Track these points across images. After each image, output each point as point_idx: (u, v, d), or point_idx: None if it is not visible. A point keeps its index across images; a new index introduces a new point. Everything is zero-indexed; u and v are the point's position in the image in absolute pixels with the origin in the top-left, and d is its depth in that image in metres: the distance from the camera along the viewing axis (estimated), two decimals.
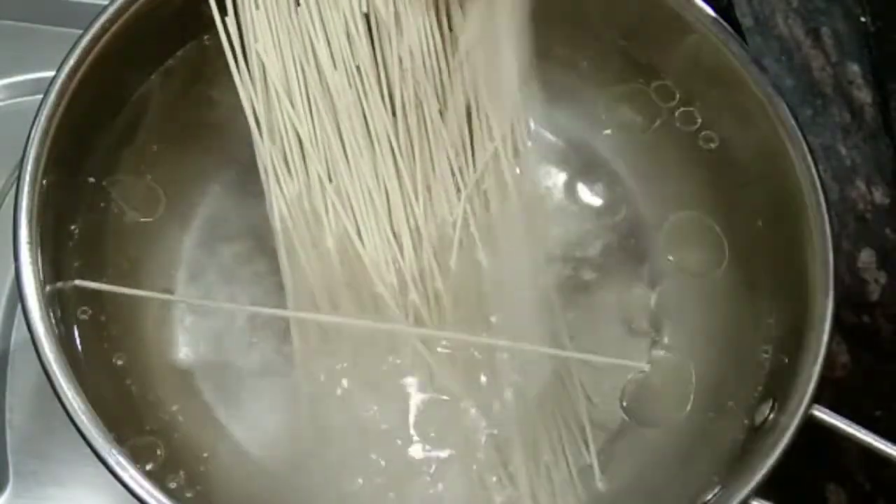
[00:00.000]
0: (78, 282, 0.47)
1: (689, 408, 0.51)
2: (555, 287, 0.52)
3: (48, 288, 0.45)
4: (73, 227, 0.50)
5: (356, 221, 0.49)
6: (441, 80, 0.52)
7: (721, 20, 0.53)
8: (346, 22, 0.50)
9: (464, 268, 0.50)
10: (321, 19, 0.50)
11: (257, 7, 0.50)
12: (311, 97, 0.50)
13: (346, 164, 0.50)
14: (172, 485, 0.46)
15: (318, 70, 0.50)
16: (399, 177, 0.51)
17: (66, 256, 0.49)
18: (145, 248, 0.51)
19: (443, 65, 0.52)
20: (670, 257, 0.54)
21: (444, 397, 0.49)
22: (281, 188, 0.49)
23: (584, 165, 0.56)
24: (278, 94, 0.49)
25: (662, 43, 0.56)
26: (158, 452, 0.47)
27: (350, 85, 0.50)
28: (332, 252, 0.49)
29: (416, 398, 0.49)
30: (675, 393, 0.51)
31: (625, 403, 0.51)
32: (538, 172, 0.55)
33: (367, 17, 0.51)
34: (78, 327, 0.48)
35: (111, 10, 0.49)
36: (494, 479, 0.48)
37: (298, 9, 0.50)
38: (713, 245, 0.54)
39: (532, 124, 0.54)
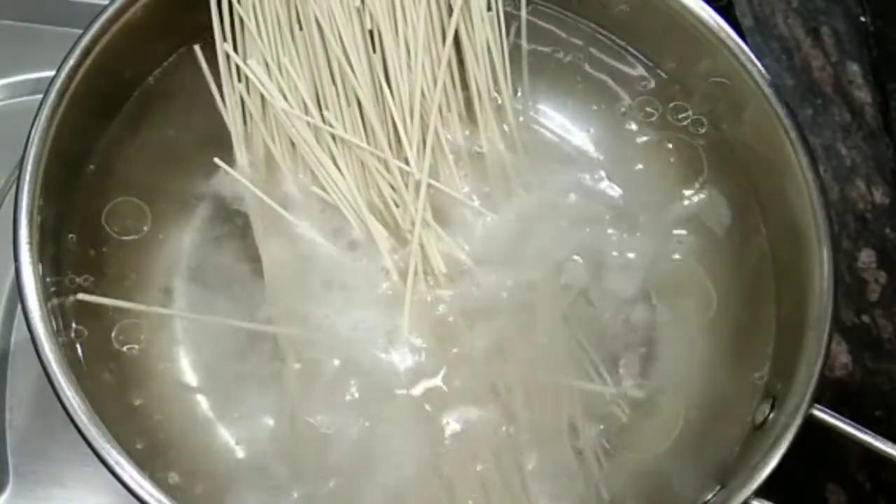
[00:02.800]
0: (81, 296, 0.47)
1: (669, 444, 0.50)
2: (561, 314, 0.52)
3: (48, 288, 0.45)
4: (72, 226, 0.50)
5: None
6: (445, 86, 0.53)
7: (720, 19, 0.53)
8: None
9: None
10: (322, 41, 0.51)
11: (259, 37, 0.51)
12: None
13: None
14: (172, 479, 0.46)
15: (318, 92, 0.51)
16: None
17: (66, 256, 0.49)
18: (145, 247, 0.51)
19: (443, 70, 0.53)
20: (664, 300, 0.53)
21: (435, 398, 0.49)
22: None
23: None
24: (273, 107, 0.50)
25: (660, 41, 0.56)
26: (152, 449, 0.47)
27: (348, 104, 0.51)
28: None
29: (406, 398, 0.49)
30: (656, 434, 0.50)
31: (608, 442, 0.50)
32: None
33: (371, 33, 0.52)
34: (77, 327, 0.48)
35: (111, 10, 0.49)
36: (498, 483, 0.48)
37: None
38: (704, 286, 0.53)
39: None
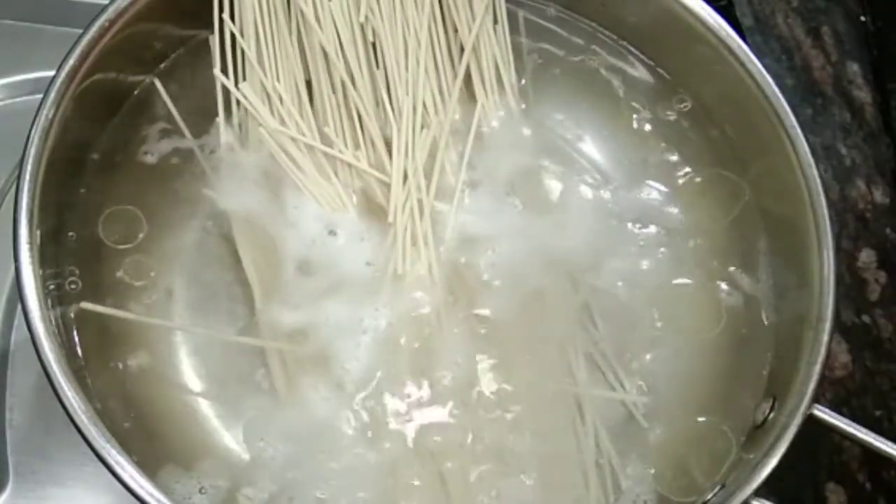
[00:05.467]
0: (83, 304, 0.47)
1: (671, 444, 0.49)
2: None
3: (48, 288, 0.45)
4: (73, 226, 0.50)
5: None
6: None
7: (720, 19, 0.53)
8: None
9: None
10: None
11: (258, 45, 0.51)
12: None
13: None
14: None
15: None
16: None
17: (67, 256, 0.49)
18: (145, 248, 0.51)
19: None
20: (666, 319, 0.52)
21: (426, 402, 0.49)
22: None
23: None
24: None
25: (660, 40, 0.56)
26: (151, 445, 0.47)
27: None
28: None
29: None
30: (659, 435, 0.50)
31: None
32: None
33: (373, 45, 0.52)
34: (77, 327, 0.48)
35: (111, 10, 0.49)
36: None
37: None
38: (712, 304, 0.53)
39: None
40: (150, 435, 0.47)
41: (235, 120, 0.52)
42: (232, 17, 0.52)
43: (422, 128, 0.51)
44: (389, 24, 0.51)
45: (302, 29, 0.52)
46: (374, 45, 0.52)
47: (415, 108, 0.51)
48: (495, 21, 0.55)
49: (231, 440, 0.48)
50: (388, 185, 0.50)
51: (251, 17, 0.51)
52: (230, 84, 0.51)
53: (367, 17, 0.51)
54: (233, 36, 0.52)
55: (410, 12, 0.52)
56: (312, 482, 0.46)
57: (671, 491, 0.48)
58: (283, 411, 0.48)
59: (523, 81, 0.56)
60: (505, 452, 0.48)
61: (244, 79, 0.51)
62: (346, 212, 0.50)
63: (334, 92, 0.51)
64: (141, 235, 0.51)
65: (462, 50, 0.53)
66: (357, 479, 0.47)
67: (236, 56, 0.52)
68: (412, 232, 0.50)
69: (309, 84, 0.52)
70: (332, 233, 0.50)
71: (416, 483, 0.47)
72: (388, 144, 0.51)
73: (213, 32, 0.52)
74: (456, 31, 0.53)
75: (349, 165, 0.51)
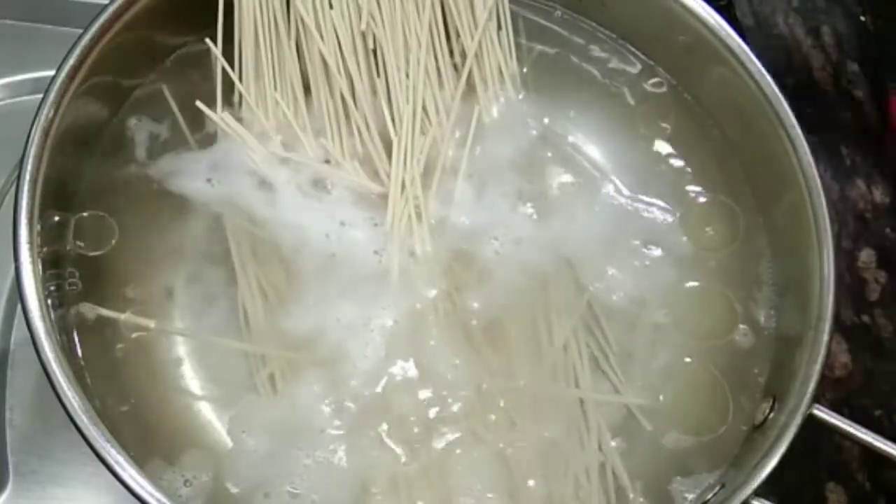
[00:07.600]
0: (84, 305, 0.48)
1: (670, 446, 0.49)
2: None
3: (48, 288, 0.45)
4: (73, 226, 0.50)
5: None
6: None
7: (720, 19, 0.53)
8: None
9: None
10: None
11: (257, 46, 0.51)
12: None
13: None
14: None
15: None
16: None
17: (67, 256, 0.49)
18: (146, 247, 0.51)
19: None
20: (667, 322, 0.52)
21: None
22: None
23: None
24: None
25: (661, 41, 0.56)
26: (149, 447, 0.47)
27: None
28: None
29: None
30: (659, 436, 0.50)
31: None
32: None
33: (374, 52, 0.52)
34: (77, 327, 0.48)
35: (111, 10, 0.49)
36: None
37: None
38: (724, 308, 0.53)
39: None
40: (142, 430, 0.47)
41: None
42: (232, 24, 0.52)
43: (421, 133, 0.51)
44: (391, 29, 0.51)
45: (302, 36, 0.51)
46: (374, 51, 0.52)
47: (414, 114, 0.51)
48: (499, 27, 0.55)
49: (216, 432, 0.48)
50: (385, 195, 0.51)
51: (250, 23, 0.51)
52: (209, 111, 0.51)
53: (367, 25, 0.51)
54: (234, 43, 0.52)
55: (412, 17, 0.52)
56: (287, 477, 0.46)
57: (673, 489, 0.49)
58: (272, 407, 0.48)
59: (524, 70, 0.56)
60: (505, 454, 0.48)
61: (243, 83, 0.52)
62: (348, 207, 0.51)
63: (332, 97, 0.51)
64: (141, 234, 0.51)
65: (464, 54, 0.53)
66: (335, 478, 0.47)
67: (233, 64, 0.52)
68: (411, 233, 0.50)
69: (308, 91, 0.52)
70: (342, 223, 0.51)
71: (410, 484, 0.47)
72: (388, 148, 0.51)
73: (210, 35, 0.52)
74: (458, 35, 0.53)
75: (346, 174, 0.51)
